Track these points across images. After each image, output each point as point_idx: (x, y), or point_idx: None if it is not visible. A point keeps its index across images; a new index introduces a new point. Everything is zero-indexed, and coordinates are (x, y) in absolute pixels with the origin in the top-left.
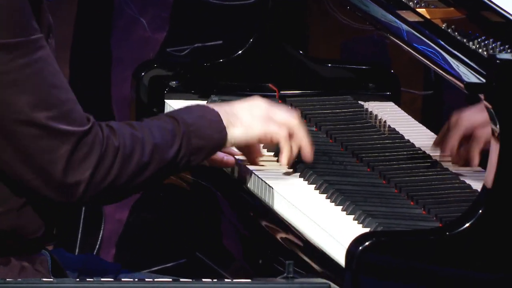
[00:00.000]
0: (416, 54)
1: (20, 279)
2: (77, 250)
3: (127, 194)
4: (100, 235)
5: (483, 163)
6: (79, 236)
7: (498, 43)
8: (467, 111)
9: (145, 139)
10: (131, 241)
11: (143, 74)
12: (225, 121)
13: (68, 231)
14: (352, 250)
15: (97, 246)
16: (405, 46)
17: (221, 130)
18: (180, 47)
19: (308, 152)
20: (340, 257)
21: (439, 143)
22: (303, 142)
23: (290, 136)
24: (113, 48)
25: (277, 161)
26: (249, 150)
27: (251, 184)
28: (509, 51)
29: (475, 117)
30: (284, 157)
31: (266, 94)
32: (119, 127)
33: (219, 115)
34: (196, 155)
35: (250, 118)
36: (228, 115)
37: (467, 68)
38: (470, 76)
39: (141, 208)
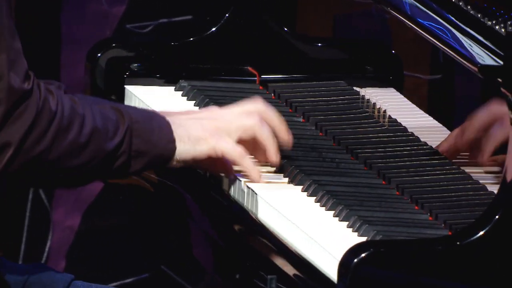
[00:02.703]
0: (422, 31)
1: None
2: (20, 262)
3: (56, 179)
4: (48, 245)
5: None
6: (23, 245)
7: None
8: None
9: (86, 118)
10: (83, 252)
11: (99, 55)
12: (175, 133)
13: (8, 236)
14: (346, 263)
15: (44, 258)
16: (409, 22)
17: (169, 141)
18: (142, 23)
19: (273, 155)
20: (331, 271)
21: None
22: (268, 144)
23: (252, 139)
24: (63, 24)
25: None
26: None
27: (227, 185)
28: None
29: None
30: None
31: (244, 78)
32: (59, 94)
33: (169, 123)
34: (135, 159)
35: (201, 131)
36: (176, 125)
37: (482, 48)
38: (485, 58)
39: (96, 214)
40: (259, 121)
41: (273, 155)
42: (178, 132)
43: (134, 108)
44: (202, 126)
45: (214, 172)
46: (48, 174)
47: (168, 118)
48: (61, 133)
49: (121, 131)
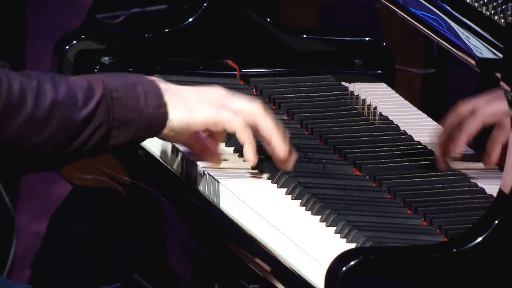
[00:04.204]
0: (415, 22)
1: None
2: None
3: (26, 160)
4: (12, 252)
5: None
6: None
7: None
8: (485, 97)
9: (42, 91)
10: (50, 260)
11: (67, 48)
12: (166, 97)
13: None
14: (334, 271)
15: (7, 267)
16: (400, 12)
17: (160, 106)
18: (113, 13)
19: (280, 148)
20: (318, 280)
21: (446, 142)
22: (273, 134)
23: (253, 127)
24: (29, 14)
25: (243, 159)
26: (194, 141)
27: (205, 188)
28: None
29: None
30: (247, 151)
31: (224, 73)
32: (5, 70)
33: (159, 88)
34: (120, 129)
35: (197, 101)
36: (170, 92)
37: (480, 40)
38: (483, 50)
39: (64, 218)
40: (263, 108)
41: (281, 149)
42: (172, 98)
43: (115, 76)
44: (200, 97)
45: (194, 150)
46: (13, 155)
47: (161, 84)
48: (11, 110)
49: (95, 99)
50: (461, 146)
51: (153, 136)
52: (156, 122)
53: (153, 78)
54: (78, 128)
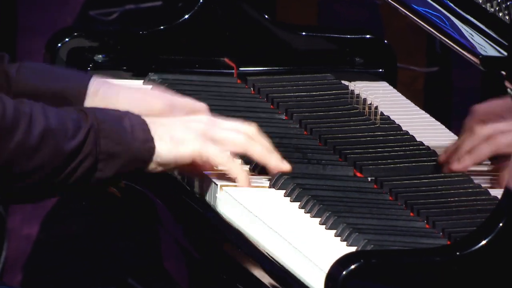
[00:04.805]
0: (417, 19)
1: None
2: None
3: (12, 188)
4: (3, 256)
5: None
6: None
7: None
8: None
9: (35, 118)
10: (42, 264)
11: (59, 45)
12: (152, 131)
13: None
14: (334, 275)
15: None
16: (402, 9)
17: (146, 141)
18: (107, 10)
19: (278, 169)
20: (317, 285)
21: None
22: (266, 161)
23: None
24: (20, 11)
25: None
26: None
27: (201, 189)
28: None
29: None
30: (241, 180)
31: (220, 71)
32: (1, 94)
33: (145, 122)
34: (106, 162)
35: (184, 131)
36: (156, 125)
37: (484, 38)
38: (487, 48)
39: (56, 221)
40: (249, 137)
41: (278, 170)
42: (159, 132)
43: (102, 109)
44: (187, 128)
45: (187, 175)
46: (1, 182)
47: (146, 119)
48: (4, 133)
49: (84, 130)
50: (467, 166)
51: (140, 171)
52: (142, 157)
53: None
54: (67, 158)
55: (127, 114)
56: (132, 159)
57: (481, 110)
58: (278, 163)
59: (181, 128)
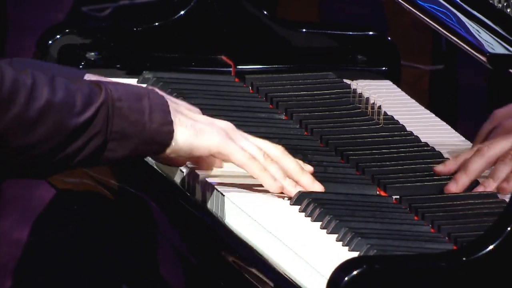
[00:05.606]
0: (422, 15)
1: None
2: None
3: (11, 162)
4: None
5: None
6: None
7: None
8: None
9: (37, 91)
10: (33, 269)
11: (50, 42)
12: (173, 115)
13: None
14: (335, 282)
15: None
16: (407, 5)
17: (165, 124)
18: (100, 5)
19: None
20: None
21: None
22: (299, 177)
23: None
24: (9, 7)
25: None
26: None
27: (199, 193)
28: None
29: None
30: (266, 183)
31: (218, 69)
32: (1, 63)
33: (167, 104)
34: (118, 142)
35: (207, 124)
36: (179, 110)
37: (491, 35)
38: (494, 45)
39: (47, 225)
40: (267, 157)
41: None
42: (180, 117)
43: (121, 85)
44: (211, 122)
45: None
46: None
47: (170, 100)
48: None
49: (94, 106)
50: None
51: (154, 155)
52: (159, 140)
53: (164, 93)
54: (71, 135)
55: (148, 93)
56: (147, 141)
57: (500, 115)
58: (310, 185)
59: (205, 120)
